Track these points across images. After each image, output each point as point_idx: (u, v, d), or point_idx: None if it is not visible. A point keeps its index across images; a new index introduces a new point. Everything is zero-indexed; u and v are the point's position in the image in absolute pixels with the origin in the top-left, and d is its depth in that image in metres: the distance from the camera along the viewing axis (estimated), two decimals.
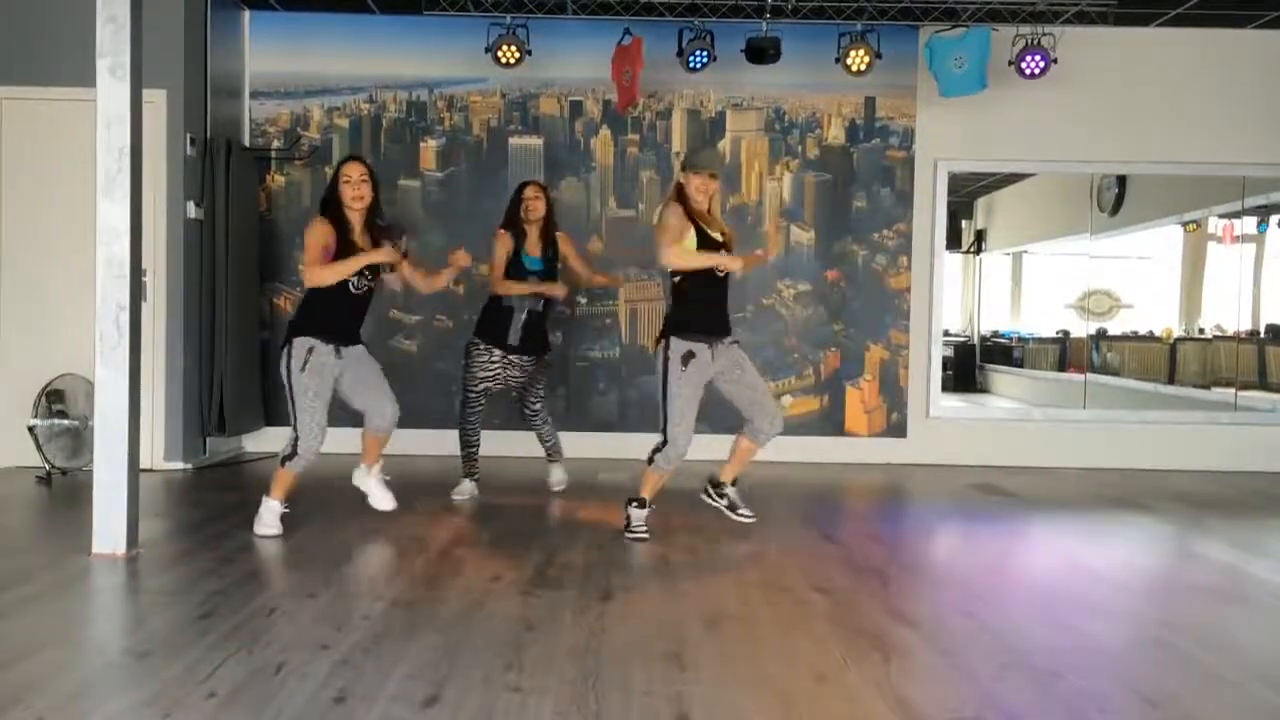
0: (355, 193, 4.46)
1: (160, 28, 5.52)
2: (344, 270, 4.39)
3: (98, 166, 3.99)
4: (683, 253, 4.37)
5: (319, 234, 4.42)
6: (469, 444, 5.41)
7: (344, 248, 4.44)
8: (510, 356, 5.27)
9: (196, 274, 6.18)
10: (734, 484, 4.81)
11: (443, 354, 6.77)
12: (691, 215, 4.43)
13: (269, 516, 4.48)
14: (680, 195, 4.48)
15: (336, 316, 4.50)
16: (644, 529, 4.57)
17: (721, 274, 4.48)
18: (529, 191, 5.27)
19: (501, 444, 6.17)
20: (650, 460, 4.54)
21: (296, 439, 4.42)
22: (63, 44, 5.80)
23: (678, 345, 4.43)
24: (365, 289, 4.54)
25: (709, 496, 4.85)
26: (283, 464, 4.46)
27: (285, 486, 4.50)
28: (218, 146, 6.25)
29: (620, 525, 4.65)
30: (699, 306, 4.47)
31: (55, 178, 5.93)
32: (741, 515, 4.77)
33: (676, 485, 5.97)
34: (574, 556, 4.20)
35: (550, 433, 5.61)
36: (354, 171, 4.49)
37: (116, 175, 3.99)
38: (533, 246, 5.26)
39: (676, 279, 4.47)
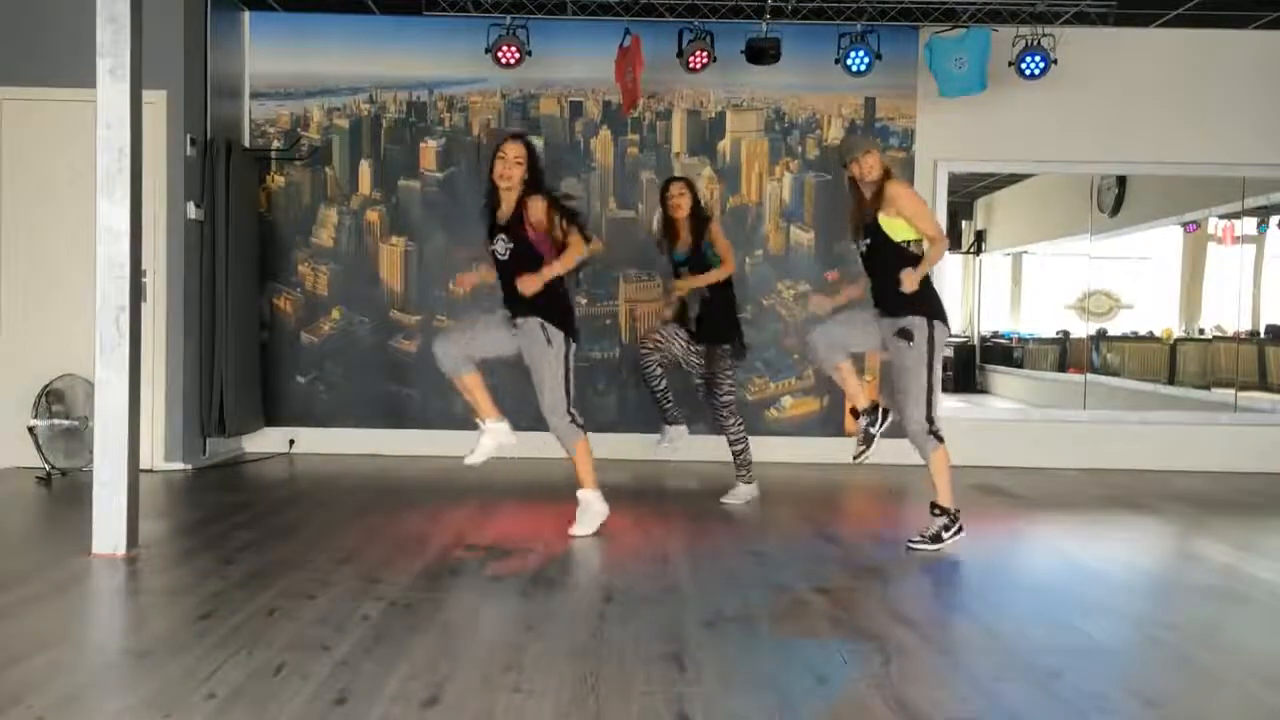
0: (502, 170, 4.40)
1: (160, 28, 5.52)
2: None
3: (98, 166, 3.99)
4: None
5: None
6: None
7: (488, 227, 4.51)
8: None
9: (196, 274, 6.18)
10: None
11: None
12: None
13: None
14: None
15: (500, 285, 4.56)
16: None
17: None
18: (674, 189, 5.30)
19: None
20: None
21: None
22: (63, 44, 5.80)
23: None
24: (507, 253, 4.46)
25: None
26: None
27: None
28: (218, 147, 6.25)
29: None
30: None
31: (55, 178, 5.93)
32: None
33: (675, 485, 5.99)
34: (574, 556, 4.20)
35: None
36: (509, 150, 4.42)
37: (116, 175, 3.98)
38: (683, 245, 5.30)
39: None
